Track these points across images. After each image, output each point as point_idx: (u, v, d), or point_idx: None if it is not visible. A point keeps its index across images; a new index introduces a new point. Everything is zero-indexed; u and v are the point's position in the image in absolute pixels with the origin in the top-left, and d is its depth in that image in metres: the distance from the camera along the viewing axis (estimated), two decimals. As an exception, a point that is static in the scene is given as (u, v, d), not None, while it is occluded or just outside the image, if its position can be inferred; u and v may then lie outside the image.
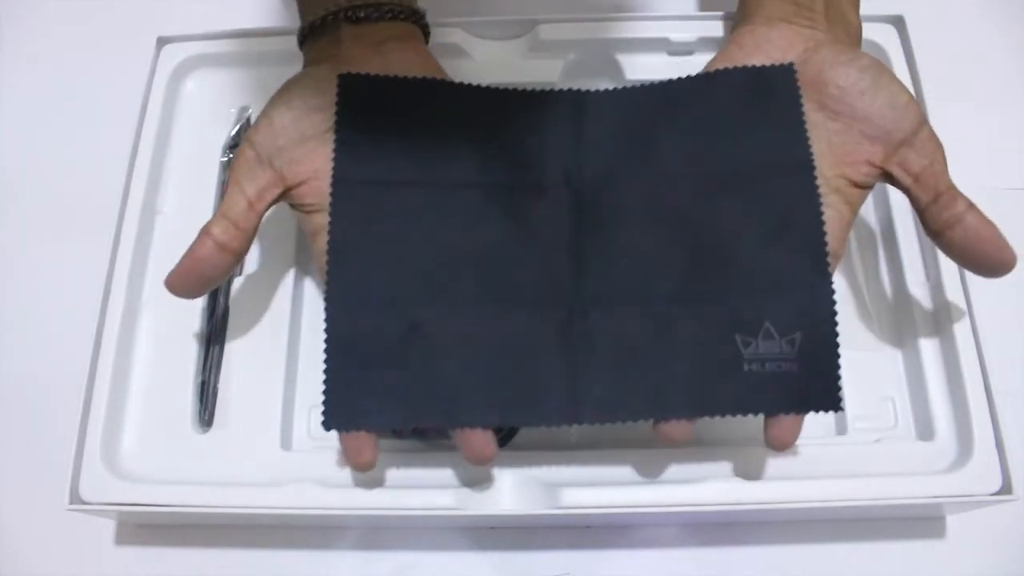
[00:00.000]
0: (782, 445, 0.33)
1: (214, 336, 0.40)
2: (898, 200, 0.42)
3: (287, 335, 0.40)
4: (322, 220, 0.36)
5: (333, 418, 0.33)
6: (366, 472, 0.34)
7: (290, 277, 0.41)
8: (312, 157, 0.36)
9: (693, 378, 0.33)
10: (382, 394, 0.34)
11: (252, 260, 0.43)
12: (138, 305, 0.40)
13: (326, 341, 0.34)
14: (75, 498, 0.36)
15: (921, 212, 0.35)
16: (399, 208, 0.36)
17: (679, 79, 0.38)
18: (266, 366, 0.39)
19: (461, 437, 0.33)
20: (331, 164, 0.36)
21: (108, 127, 0.45)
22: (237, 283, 0.41)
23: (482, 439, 0.33)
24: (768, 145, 0.36)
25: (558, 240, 0.36)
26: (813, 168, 0.35)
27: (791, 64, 0.37)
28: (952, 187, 0.34)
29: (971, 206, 0.33)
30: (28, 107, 0.51)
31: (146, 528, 0.40)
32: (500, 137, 0.37)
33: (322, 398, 0.33)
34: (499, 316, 0.34)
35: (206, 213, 0.42)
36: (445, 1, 0.49)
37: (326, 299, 0.34)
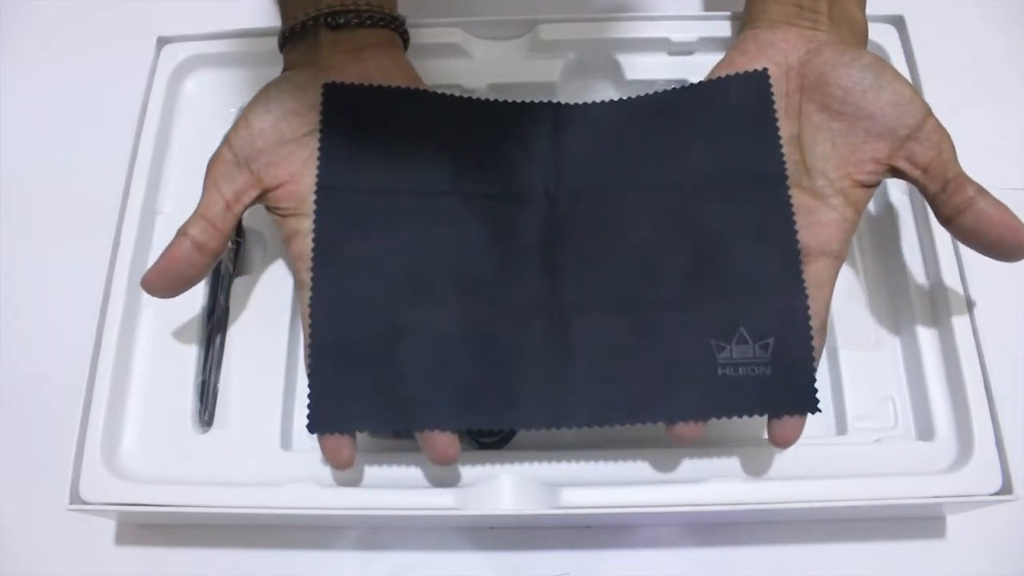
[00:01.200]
0: (785, 443, 0.34)
1: (214, 336, 0.40)
2: (898, 199, 0.42)
3: (287, 335, 0.40)
4: (297, 224, 0.36)
5: (318, 421, 0.34)
6: (346, 470, 0.35)
7: (290, 277, 0.41)
8: (290, 161, 0.36)
9: (668, 382, 0.34)
10: (365, 397, 0.34)
11: (252, 260, 0.43)
12: (138, 305, 0.40)
13: (310, 346, 0.35)
14: (75, 498, 0.36)
15: (931, 201, 0.35)
16: (382, 215, 0.36)
17: (656, 93, 0.39)
18: (266, 366, 0.39)
19: (426, 438, 0.34)
20: (308, 168, 0.36)
21: (108, 127, 0.45)
22: (237, 283, 0.41)
23: (444, 441, 0.33)
24: (742, 155, 0.37)
25: (537, 249, 0.36)
26: (786, 177, 0.36)
27: (764, 70, 0.37)
28: (961, 174, 0.34)
29: (981, 191, 0.33)
30: (28, 107, 0.51)
31: (146, 528, 0.40)
32: (481, 147, 0.38)
33: (307, 401, 0.34)
34: (479, 322, 0.35)
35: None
36: (446, 1, 0.49)
37: (311, 304, 0.35)
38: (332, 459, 0.34)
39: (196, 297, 0.41)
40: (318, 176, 0.36)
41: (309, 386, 0.34)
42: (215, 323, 0.41)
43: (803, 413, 0.33)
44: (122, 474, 0.37)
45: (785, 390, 0.33)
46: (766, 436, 0.39)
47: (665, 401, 0.34)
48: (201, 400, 0.39)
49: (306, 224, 0.36)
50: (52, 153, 0.49)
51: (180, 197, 0.43)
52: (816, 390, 0.33)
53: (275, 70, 0.41)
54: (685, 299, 0.35)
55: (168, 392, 0.39)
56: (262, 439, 0.38)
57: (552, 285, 0.36)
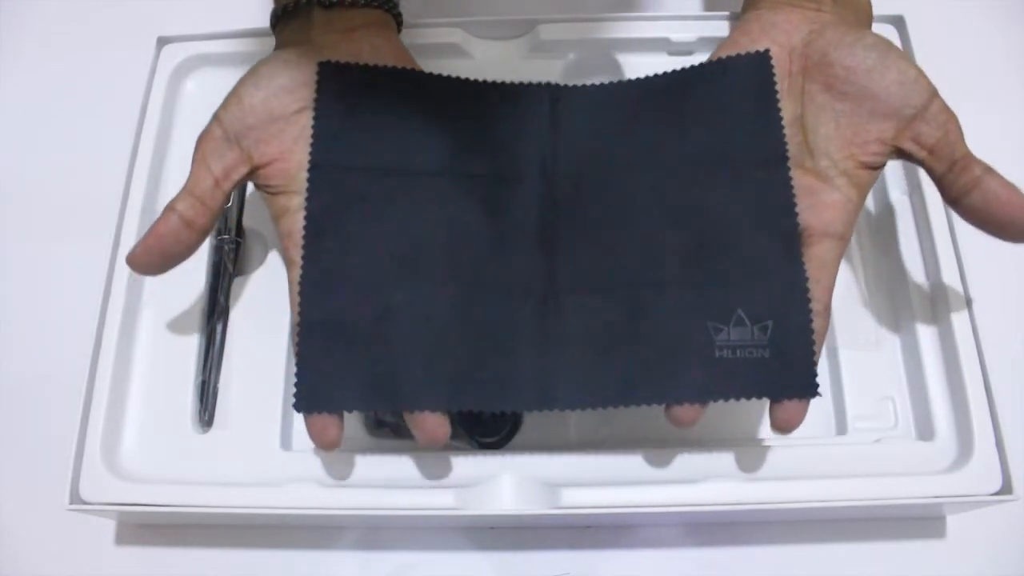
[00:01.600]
0: (787, 427, 0.33)
1: (214, 336, 0.40)
2: (898, 199, 0.42)
3: (287, 335, 0.40)
4: (287, 202, 0.36)
5: (304, 400, 0.33)
6: (332, 451, 0.34)
7: (290, 277, 0.41)
8: (280, 138, 0.36)
9: (663, 365, 0.33)
10: (353, 377, 0.34)
11: (252, 260, 0.43)
12: (138, 305, 0.40)
13: (299, 324, 0.34)
14: (75, 498, 0.36)
15: (938, 182, 0.34)
16: (375, 194, 0.36)
17: (656, 75, 0.39)
18: (266, 366, 0.39)
19: (415, 419, 0.33)
20: (298, 146, 0.36)
21: (108, 127, 0.45)
22: (237, 283, 0.41)
23: (434, 421, 0.33)
24: (743, 136, 0.36)
25: (532, 229, 0.36)
26: (787, 158, 0.35)
27: (767, 51, 0.37)
28: (968, 154, 0.33)
29: (989, 170, 0.33)
30: (28, 107, 0.51)
31: (146, 528, 0.40)
32: (476, 127, 0.38)
33: (294, 380, 0.34)
34: (472, 302, 0.35)
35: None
36: (446, 1, 0.49)
37: (300, 282, 0.35)
38: (318, 439, 0.33)
39: (196, 297, 0.41)
40: (311, 154, 0.36)
41: (296, 364, 0.34)
42: (215, 323, 0.40)
43: (802, 397, 0.33)
44: (122, 474, 0.37)
45: (784, 373, 0.33)
46: (764, 435, 0.39)
47: (661, 383, 0.33)
48: (201, 400, 0.39)
49: (296, 202, 0.36)
50: (52, 153, 0.49)
51: (180, 197, 0.43)
52: (816, 374, 0.33)
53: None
54: (682, 281, 0.34)
55: (168, 392, 0.39)
56: (262, 439, 0.38)
57: (546, 266, 0.35)
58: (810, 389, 0.33)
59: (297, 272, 0.35)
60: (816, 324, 0.33)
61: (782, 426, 0.33)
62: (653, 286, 0.35)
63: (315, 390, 0.33)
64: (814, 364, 0.33)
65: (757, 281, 0.34)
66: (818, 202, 0.35)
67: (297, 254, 0.35)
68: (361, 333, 0.34)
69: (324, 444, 0.34)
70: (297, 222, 0.35)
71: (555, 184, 0.37)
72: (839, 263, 0.35)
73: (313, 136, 0.36)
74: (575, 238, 0.36)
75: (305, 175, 0.36)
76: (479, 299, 0.35)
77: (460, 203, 0.36)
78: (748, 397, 0.33)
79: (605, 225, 0.36)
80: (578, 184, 0.37)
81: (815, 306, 0.33)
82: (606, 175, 0.37)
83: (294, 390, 0.34)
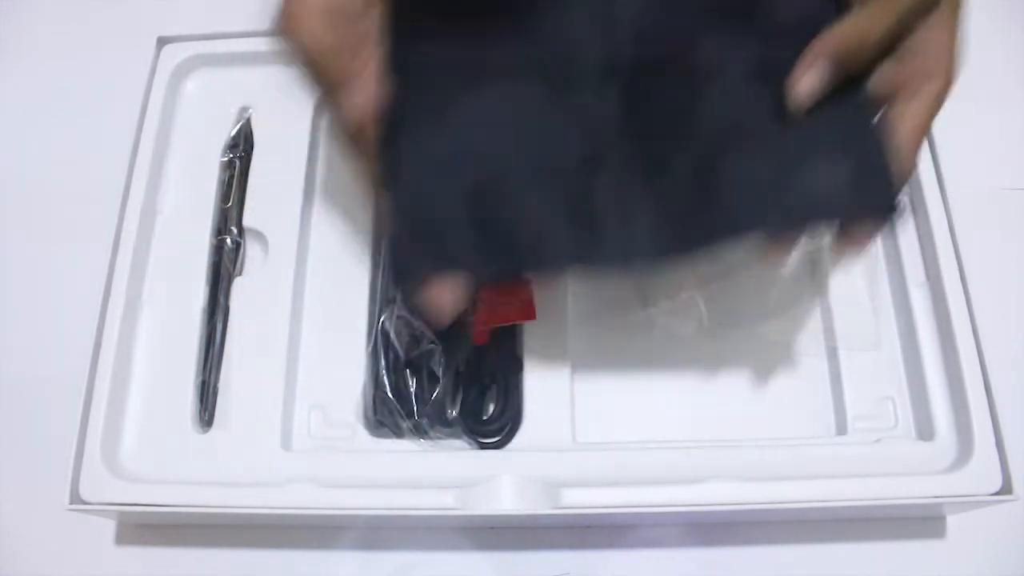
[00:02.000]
0: (859, 245, 0.33)
1: (214, 336, 0.40)
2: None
3: (287, 335, 0.40)
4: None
5: (403, 272, 0.34)
6: (447, 321, 0.34)
7: (290, 277, 0.41)
8: (347, 32, 0.35)
9: (744, 204, 0.34)
10: (451, 246, 0.34)
11: (252, 260, 0.43)
12: (138, 305, 0.40)
13: (392, 200, 0.35)
14: (75, 498, 0.36)
15: None
16: (453, 88, 0.36)
17: None
18: (266, 366, 0.39)
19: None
20: (365, 43, 0.35)
21: (108, 127, 0.45)
22: (237, 283, 0.41)
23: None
24: (811, 6, 0.36)
25: (608, 112, 0.36)
26: None
27: None
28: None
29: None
30: (28, 107, 0.51)
31: (146, 528, 0.40)
32: (546, 21, 0.38)
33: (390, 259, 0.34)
34: (555, 179, 0.35)
35: (206, 213, 0.42)
36: (445, 1, 0.49)
37: (383, 168, 0.35)
38: (435, 301, 0.33)
39: (196, 297, 0.41)
40: (389, 51, 0.36)
41: (390, 239, 0.34)
42: (215, 323, 0.41)
43: (885, 214, 0.33)
44: (122, 474, 0.37)
45: (864, 197, 0.33)
46: (764, 436, 0.39)
47: (743, 218, 0.33)
48: (201, 400, 0.39)
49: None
50: (52, 153, 0.49)
51: (180, 197, 0.43)
52: (897, 196, 0.32)
53: (275, 71, 0.40)
54: (762, 130, 0.35)
55: (168, 392, 0.39)
56: (262, 439, 0.38)
57: (620, 123, 0.36)
58: (890, 207, 0.32)
59: (372, 164, 0.35)
60: (899, 166, 0.33)
61: (851, 244, 0.33)
62: (731, 146, 0.35)
63: (414, 259, 0.34)
64: (894, 188, 0.32)
65: (837, 128, 0.34)
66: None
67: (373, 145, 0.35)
68: (454, 208, 0.34)
69: (439, 308, 0.33)
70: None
71: (627, 68, 0.37)
72: (931, 107, 0.33)
73: (386, 31, 0.36)
74: (651, 114, 0.36)
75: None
76: (563, 175, 0.35)
77: (536, 93, 0.37)
78: (832, 217, 0.33)
79: (676, 98, 0.36)
80: (651, 67, 0.37)
81: (899, 152, 0.33)
82: (677, 55, 0.37)
83: (392, 261, 0.34)
